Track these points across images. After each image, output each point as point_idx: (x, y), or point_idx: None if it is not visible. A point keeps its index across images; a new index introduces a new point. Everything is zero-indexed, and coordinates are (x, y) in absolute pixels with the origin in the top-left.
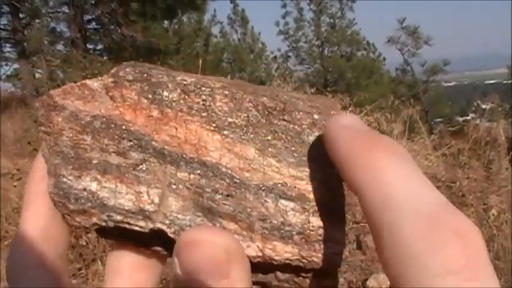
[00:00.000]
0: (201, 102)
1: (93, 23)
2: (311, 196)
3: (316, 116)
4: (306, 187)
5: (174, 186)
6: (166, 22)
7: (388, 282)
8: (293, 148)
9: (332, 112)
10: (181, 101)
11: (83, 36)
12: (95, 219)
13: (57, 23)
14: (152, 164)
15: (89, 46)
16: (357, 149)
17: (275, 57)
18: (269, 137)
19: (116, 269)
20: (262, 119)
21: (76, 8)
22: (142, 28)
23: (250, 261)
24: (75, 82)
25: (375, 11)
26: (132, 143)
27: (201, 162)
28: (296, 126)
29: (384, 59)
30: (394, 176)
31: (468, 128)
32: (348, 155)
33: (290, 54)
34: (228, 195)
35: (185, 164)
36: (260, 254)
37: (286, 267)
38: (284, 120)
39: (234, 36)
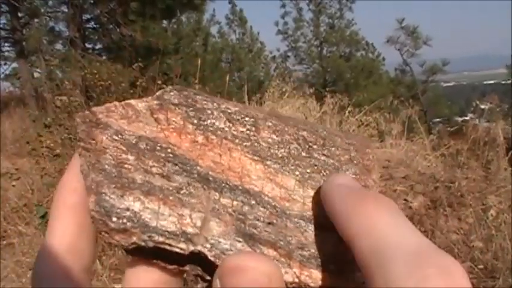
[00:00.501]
0: (245, 132)
1: (92, 23)
2: None
3: (353, 154)
4: None
5: (216, 211)
6: (165, 22)
7: None
8: None
9: (367, 150)
10: (226, 129)
11: (82, 35)
12: (134, 239)
13: (56, 22)
14: (196, 189)
15: (88, 45)
16: (350, 203)
17: (274, 57)
18: (308, 170)
19: (136, 284)
20: (302, 152)
21: (75, 7)
22: (141, 28)
23: (287, 287)
24: (74, 81)
25: (374, 11)
26: (177, 166)
27: (245, 190)
28: (335, 162)
29: (383, 59)
30: (383, 223)
31: (467, 128)
32: (342, 209)
33: (289, 54)
34: (269, 223)
35: (229, 191)
36: (297, 280)
37: None
38: (324, 155)
39: (232, 36)
